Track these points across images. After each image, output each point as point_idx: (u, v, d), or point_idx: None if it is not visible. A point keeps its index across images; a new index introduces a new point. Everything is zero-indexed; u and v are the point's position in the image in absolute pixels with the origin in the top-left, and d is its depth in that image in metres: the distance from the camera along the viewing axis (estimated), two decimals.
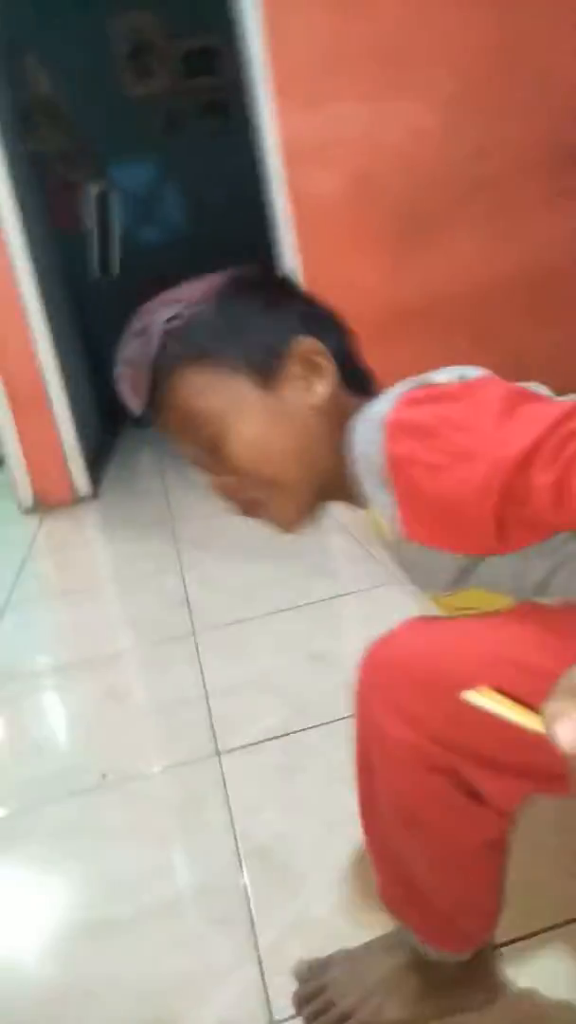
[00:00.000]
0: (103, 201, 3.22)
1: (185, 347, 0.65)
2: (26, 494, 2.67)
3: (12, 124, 2.81)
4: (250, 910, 0.84)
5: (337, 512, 0.74)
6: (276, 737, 1.14)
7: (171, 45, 4.32)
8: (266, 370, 0.65)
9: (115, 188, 3.29)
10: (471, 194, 2.63)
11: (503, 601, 0.63)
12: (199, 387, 0.65)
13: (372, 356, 2.85)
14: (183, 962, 0.81)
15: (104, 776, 1.13)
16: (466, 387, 0.58)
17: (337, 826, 0.94)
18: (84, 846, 1.01)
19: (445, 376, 0.62)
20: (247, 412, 0.64)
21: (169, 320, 0.66)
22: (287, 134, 2.48)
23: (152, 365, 0.65)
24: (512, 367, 2.56)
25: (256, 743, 1.14)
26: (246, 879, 0.89)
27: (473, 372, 0.62)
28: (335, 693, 1.21)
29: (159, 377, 0.65)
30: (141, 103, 4.33)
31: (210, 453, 0.66)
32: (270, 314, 0.67)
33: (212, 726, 1.19)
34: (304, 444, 0.65)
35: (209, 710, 1.24)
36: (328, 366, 0.67)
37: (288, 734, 1.14)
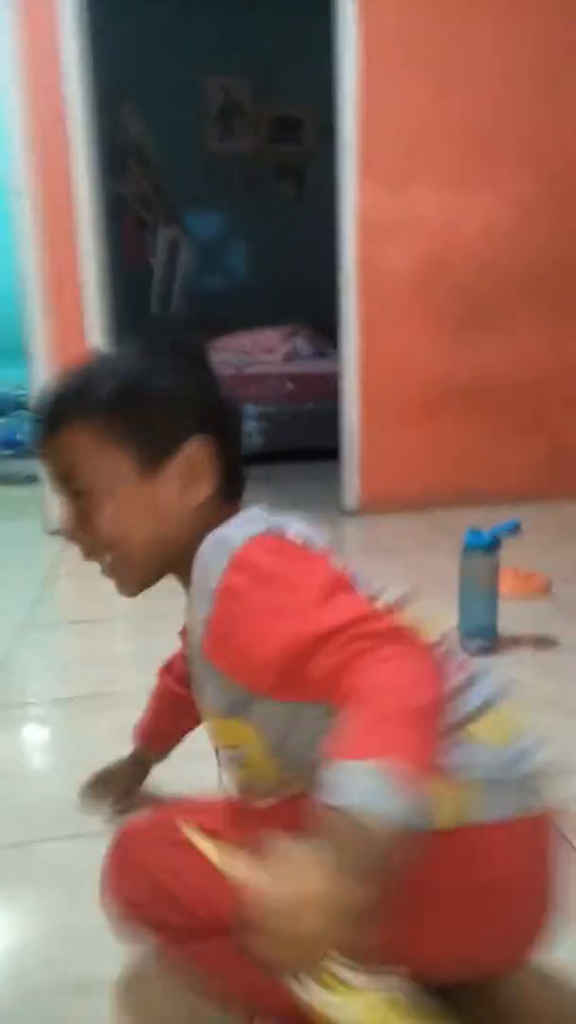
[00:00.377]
0: (174, 247, 3.32)
1: (88, 408, 0.67)
2: (55, 517, 2.68)
3: (105, 166, 2.93)
4: None
5: None
6: None
7: (258, 110, 4.52)
8: (151, 461, 0.68)
9: (186, 235, 3.39)
10: (532, 288, 2.70)
11: (265, 761, 0.70)
12: (84, 449, 0.68)
13: (419, 430, 2.93)
14: None
15: (110, 821, 1.10)
16: (307, 556, 0.65)
17: None
18: (78, 894, 0.97)
19: (295, 530, 0.67)
20: (119, 493, 0.68)
21: (87, 377, 0.70)
22: (365, 209, 2.57)
23: (53, 409, 0.69)
24: (548, 452, 2.59)
25: None
26: None
27: (319, 537, 0.68)
28: None
29: (55, 422, 0.69)
30: (222, 160, 4.51)
31: (75, 507, 0.70)
32: (175, 405, 0.69)
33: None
34: (161, 535, 0.70)
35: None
36: (209, 476, 0.69)
37: None
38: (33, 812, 1.14)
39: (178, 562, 0.70)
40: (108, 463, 0.67)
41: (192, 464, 0.69)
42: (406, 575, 2.08)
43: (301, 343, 3.99)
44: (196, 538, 0.67)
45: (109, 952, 0.88)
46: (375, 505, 2.73)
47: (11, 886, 1.00)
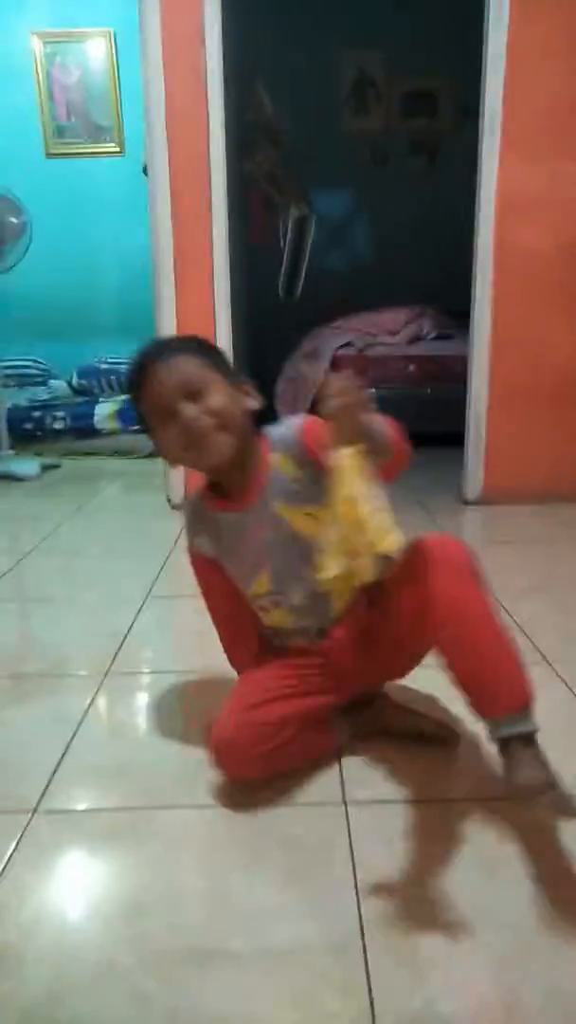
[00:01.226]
0: (302, 225, 3.29)
1: (195, 348, 1.09)
2: (177, 491, 2.74)
3: (237, 145, 2.94)
4: (369, 986, 0.80)
5: None
6: (406, 801, 1.09)
7: (391, 84, 4.40)
8: (227, 377, 1.08)
9: (314, 214, 3.36)
10: None
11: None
12: (202, 366, 1.06)
13: (549, 420, 2.80)
14: (293, 1017, 0.77)
15: (226, 794, 1.11)
16: None
17: (469, 916, 0.88)
18: (200, 863, 0.99)
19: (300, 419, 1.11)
20: (220, 388, 1.05)
21: (188, 337, 1.14)
22: (505, 186, 2.45)
23: (176, 346, 1.09)
24: None
25: (384, 802, 1.09)
26: (367, 948, 0.85)
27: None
28: (479, 769, 1.15)
29: (177, 353, 1.07)
30: (353, 136, 4.43)
31: (194, 396, 1.03)
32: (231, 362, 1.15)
33: (341, 772, 1.16)
34: (240, 418, 1.07)
35: (347, 757, 1.20)
36: (255, 399, 1.10)
37: (419, 802, 1.09)
38: (156, 777, 1.17)
39: (241, 444, 1.07)
40: (212, 374, 1.06)
41: (248, 389, 1.10)
42: (530, 568, 2.00)
43: (426, 324, 3.89)
44: (247, 430, 1.08)
45: (230, 924, 0.89)
46: (497, 496, 2.63)
47: (134, 848, 1.03)
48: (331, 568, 0.89)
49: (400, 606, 1.06)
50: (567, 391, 2.59)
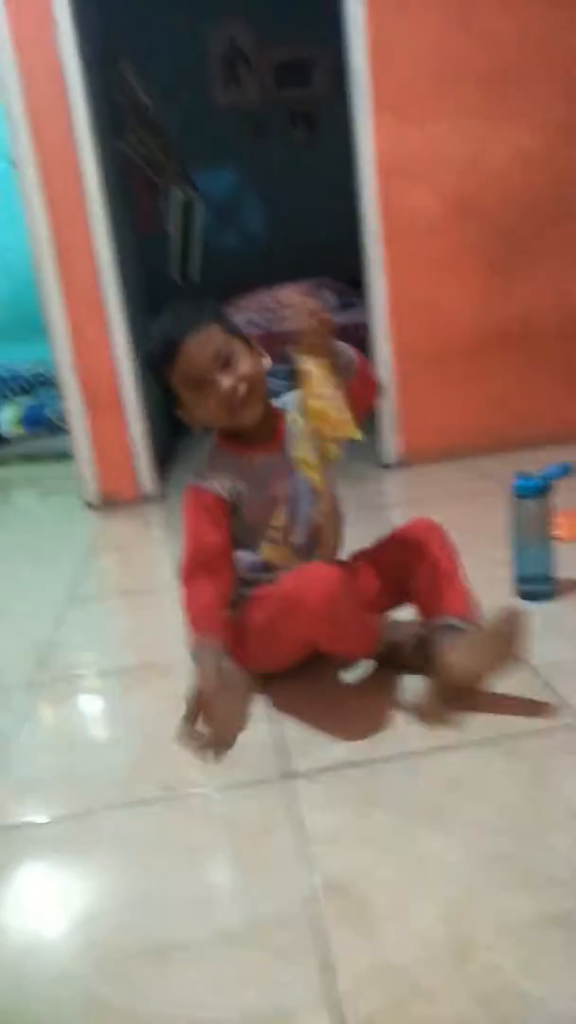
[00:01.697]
0: (188, 209, 3.24)
1: (218, 318, 1.22)
2: (92, 491, 2.68)
3: (107, 128, 2.85)
4: (327, 951, 0.80)
5: None
6: (349, 765, 1.10)
7: (264, 55, 4.35)
8: (246, 344, 1.22)
9: (199, 195, 3.30)
10: (569, 220, 2.57)
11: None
12: (226, 334, 1.20)
13: (454, 373, 2.84)
14: (250, 997, 0.77)
15: (166, 788, 1.10)
16: None
17: (418, 868, 0.89)
18: (146, 861, 0.97)
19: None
20: (243, 353, 1.20)
21: (205, 304, 1.25)
22: (384, 149, 2.45)
23: (202, 317, 1.20)
24: None
25: (328, 768, 1.09)
26: (320, 914, 0.85)
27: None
28: (412, 724, 1.17)
29: (205, 322, 1.19)
30: (229, 111, 4.37)
31: (225, 364, 1.18)
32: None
33: (285, 745, 1.16)
34: (263, 377, 1.22)
35: (279, 728, 1.20)
36: (266, 356, 1.25)
37: (363, 763, 1.09)
38: (93, 782, 1.14)
39: (266, 399, 1.25)
40: (235, 342, 1.20)
41: (259, 350, 1.24)
42: (455, 525, 2.04)
43: (327, 296, 3.89)
44: (266, 386, 1.23)
45: (182, 915, 0.87)
46: (415, 457, 2.67)
47: (79, 855, 1.00)
48: (306, 452, 1.13)
49: (380, 559, 1.34)
50: (470, 346, 2.63)
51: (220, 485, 1.25)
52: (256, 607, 1.24)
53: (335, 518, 1.34)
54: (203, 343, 1.16)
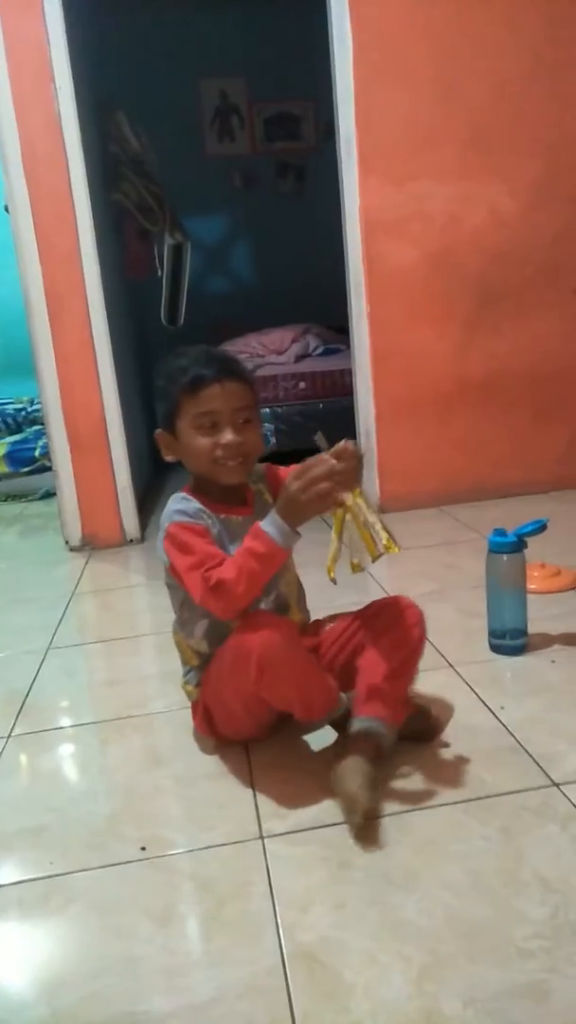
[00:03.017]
0: (178, 253, 3.29)
1: (252, 381, 1.28)
2: (75, 532, 2.68)
3: (101, 177, 2.92)
4: (293, 1021, 0.80)
5: None
6: (323, 826, 1.10)
7: (254, 108, 4.48)
8: (259, 413, 1.28)
9: (189, 241, 3.36)
10: (544, 277, 2.65)
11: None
12: (252, 399, 1.25)
13: (432, 422, 2.89)
14: None
15: (143, 848, 1.09)
16: None
17: (390, 934, 0.89)
18: (117, 925, 0.96)
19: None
20: (257, 425, 1.26)
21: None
22: (368, 206, 2.53)
23: (240, 370, 1.26)
24: (568, 441, 2.58)
25: (301, 831, 1.09)
26: (290, 983, 0.84)
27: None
28: (384, 785, 1.17)
29: (245, 377, 1.25)
30: (220, 161, 4.48)
31: (241, 423, 1.22)
32: None
33: (260, 807, 1.16)
34: (258, 454, 1.28)
35: (253, 788, 1.20)
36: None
37: (338, 824, 1.10)
38: (67, 840, 1.13)
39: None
40: (254, 409, 1.24)
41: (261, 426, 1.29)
42: (431, 574, 2.06)
43: (312, 341, 3.96)
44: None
45: (152, 983, 0.87)
46: (393, 503, 2.70)
47: (47, 919, 0.99)
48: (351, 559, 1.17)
49: (344, 629, 1.32)
50: (449, 395, 2.68)
51: (204, 523, 1.23)
52: (213, 666, 1.26)
53: (298, 589, 1.37)
54: (233, 392, 1.20)
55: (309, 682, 1.19)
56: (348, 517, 1.15)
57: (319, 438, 1.13)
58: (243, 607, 1.16)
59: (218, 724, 1.29)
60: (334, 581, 1.16)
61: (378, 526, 1.14)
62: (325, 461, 1.09)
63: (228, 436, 1.20)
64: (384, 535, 1.14)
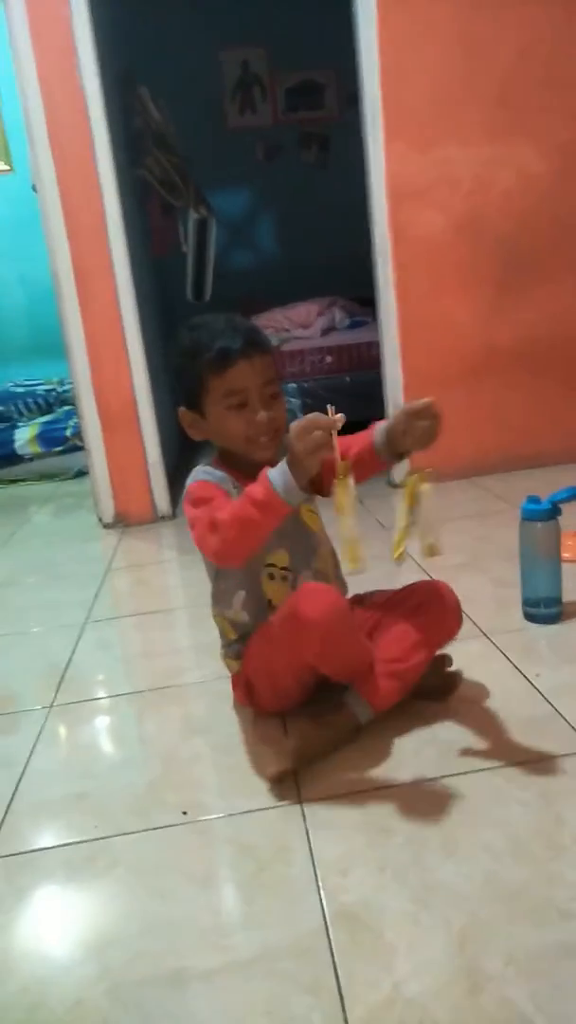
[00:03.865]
0: (202, 228, 3.28)
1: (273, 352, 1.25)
2: (108, 509, 2.71)
3: (125, 153, 2.90)
4: (338, 981, 0.81)
5: None
6: (361, 791, 1.11)
7: (276, 79, 4.41)
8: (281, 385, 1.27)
9: (213, 215, 3.34)
10: (574, 241, 2.59)
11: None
12: (275, 371, 1.22)
13: (461, 392, 2.86)
14: None
15: (184, 813, 1.11)
16: None
17: (429, 897, 0.90)
18: (161, 887, 0.99)
19: None
20: (281, 395, 1.22)
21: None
22: (394, 172, 2.49)
23: (262, 340, 1.21)
24: None
25: (340, 795, 1.11)
26: (332, 944, 0.86)
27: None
28: (423, 751, 1.18)
29: (268, 348, 1.22)
30: (243, 133, 4.43)
31: (270, 398, 1.19)
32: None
33: (297, 772, 1.17)
34: (285, 424, 1.19)
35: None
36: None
37: (374, 790, 1.11)
38: (109, 807, 1.16)
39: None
40: (278, 383, 1.20)
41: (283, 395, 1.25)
42: (462, 546, 2.05)
43: (338, 314, 3.93)
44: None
45: (197, 942, 0.89)
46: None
47: (92, 881, 1.02)
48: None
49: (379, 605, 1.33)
50: (478, 365, 2.65)
51: (227, 489, 1.21)
52: (257, 638, 1.26)
53: (334, 562, 1.33)
54: (260, 368, 1.17)
55: (361, 652, 1.21)
56: (424, 489, 1.08)
57: (330, 410, 1.06)
58: (235, 554, 1.15)
59: (260, 696, 1.30)
60: (401, 560, 1.11)
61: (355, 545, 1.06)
62: (325, 416, 1.05)
63: (261, 414, 1.17)
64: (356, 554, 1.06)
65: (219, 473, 1.23)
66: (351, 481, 1.07)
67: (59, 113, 2.41)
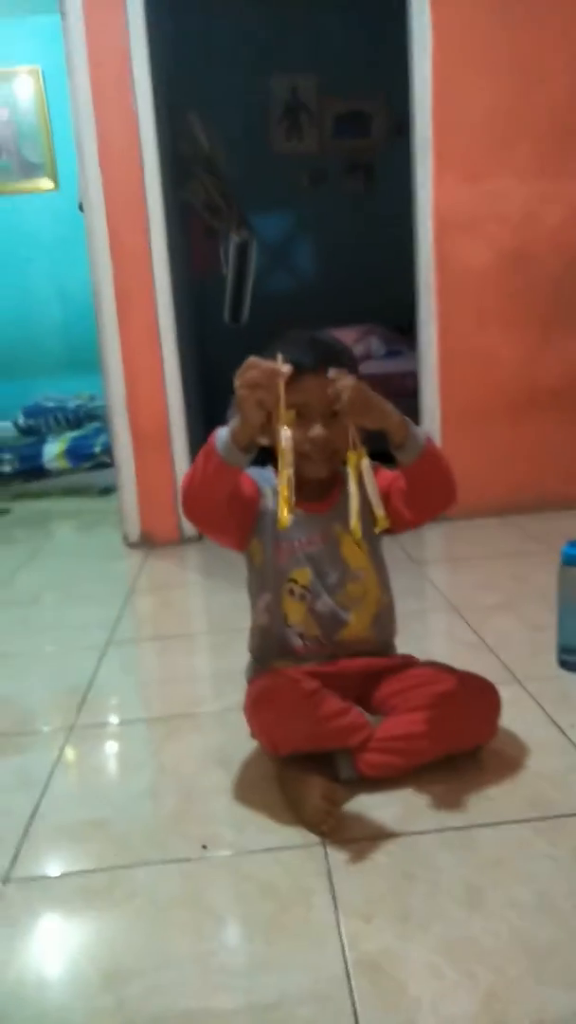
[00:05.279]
0: (243, 251, 3.30)
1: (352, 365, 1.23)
2: (134, 528, 2.71)
3: (173, 176, 2.95)
4: None
5: None
6: (385, 836, 1.08)
7: (323, 106, 4.47)
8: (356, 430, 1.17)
9: (255, 238, 3.37)
10: None
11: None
12: None
13: (500, 428, 2.82)
14: None
15: (204, 847, 1.10)
16: None
17: (454, 951, 0.88)
18: (179, 921, 0.97)
19: None
20: (347, 425, 1.14)
21: (338, 344, 1.30)
22: (442, 203, 2.50)
23: (335, 357, 1.19)
24: None
25: (364, 838, 1.08)
26: (353, 993, 0.83)
27: None
28: (450, 799, 1.15)
29: (349, 367, 1.18)
30: (289, 159, 4.47)
31: (330, 415, 1.16)
32: None
33: None
34: (342, 451, 1.15)
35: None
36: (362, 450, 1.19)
37: (399, 835, 1.08)
38: (127, 835, 1.14)
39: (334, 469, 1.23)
40: None
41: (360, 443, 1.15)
42: (498, 586, 2.03)
43: (375, 343, 3.93)
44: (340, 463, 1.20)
45: (215, 981, 0.87)
46: (456, 510, 2.64)
47: (110, 910, 1.00)
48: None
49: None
50: (518, 401, 2.63)
51: (262, 488, 1.24)
52: (249, 690, 1.28)
53: (376, 606, 1.29)
54: (325, 386, 1.12)
55: (321, 734, 1.16)
56: (364, 464, 1.10)
57: (279, 357, 1.04)
58: (189, 498, 1.16)
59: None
60: (360, 544, 1.17)
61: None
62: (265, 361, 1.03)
63: (317, 430, 1.16)
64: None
65: (267, 474, 1.22)
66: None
67: (111, 136, 2.45)
